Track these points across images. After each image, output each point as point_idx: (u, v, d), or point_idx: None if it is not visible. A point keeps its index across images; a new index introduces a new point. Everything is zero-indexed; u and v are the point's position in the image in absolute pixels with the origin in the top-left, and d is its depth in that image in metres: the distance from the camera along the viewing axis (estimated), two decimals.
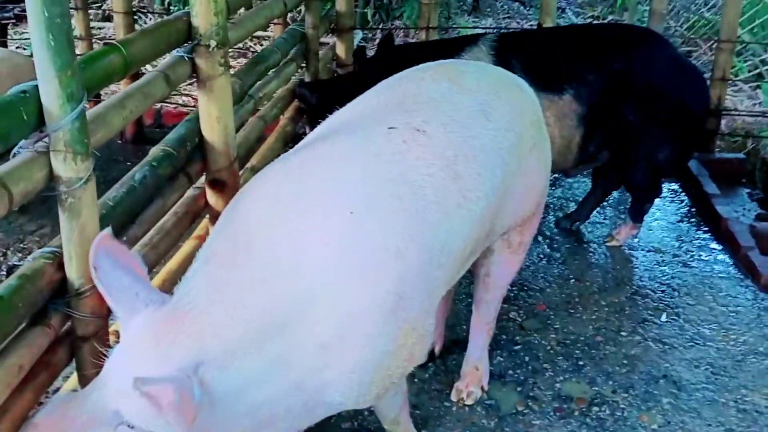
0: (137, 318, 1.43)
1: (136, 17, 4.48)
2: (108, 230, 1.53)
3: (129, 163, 1.97)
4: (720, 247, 3.52)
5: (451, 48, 3.17)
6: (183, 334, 1.40)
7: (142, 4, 5.71)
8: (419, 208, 1.64)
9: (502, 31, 4.51)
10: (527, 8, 7.78)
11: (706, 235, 3.63)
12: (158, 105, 4.48)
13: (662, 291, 3.14)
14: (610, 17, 7.34)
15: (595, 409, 2.45)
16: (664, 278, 3.24)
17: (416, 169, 1.68)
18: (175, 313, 1.44)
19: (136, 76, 3.09)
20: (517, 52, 3.07)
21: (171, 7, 5.95)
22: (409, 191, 1.64)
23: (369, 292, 1.53)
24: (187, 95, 4.72)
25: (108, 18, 4.73)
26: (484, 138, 1.88)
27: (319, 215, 1.56)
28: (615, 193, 3.79)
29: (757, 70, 5.96)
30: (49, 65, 1.46)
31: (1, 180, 1.41)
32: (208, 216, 2.46)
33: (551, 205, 3.87)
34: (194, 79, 2.32)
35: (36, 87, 1.48)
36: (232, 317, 1.44)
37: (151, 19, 5.76)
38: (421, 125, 1.77)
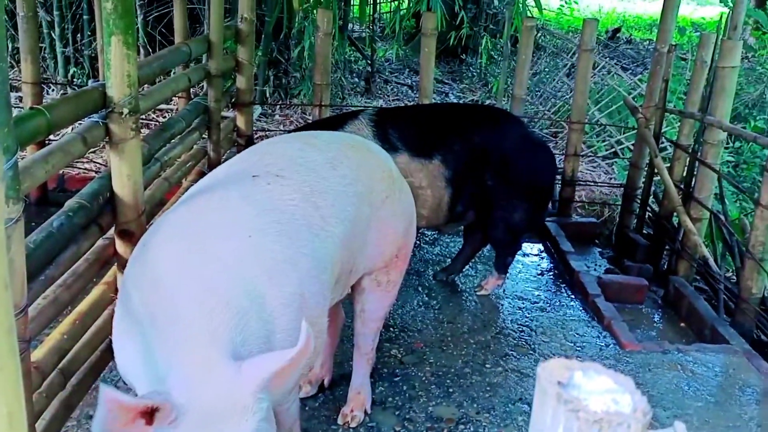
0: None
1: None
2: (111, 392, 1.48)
3: (33, 224, 2.19)
4: (573, 296, 4.04)
5: (335, 122, 3.54)
6: None
7: (45, 76, 5.94)
8: (295, 229, 1.98)
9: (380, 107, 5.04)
10: (414, 91, 8.48)
11: (562, 286, 4.15)
12: (61, 171, 4.68)
13: (522, 331, 3.60)
14: (487, 101, 8.13)
15: (462, 427, 2.82)
16: (524, 321, 3.71)
17: (284, 202, 2.02)
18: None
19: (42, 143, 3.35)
20: (393, 124, 3.51)
21: (74, 79, 6.21)
22: (284, 217, 1.98)
23: (280, 294, 1.83)
24: (90, 161, 4.94)
25: (17, 88, 4.95)
26: (332, 180, 2.22)
27: (228, 242, 1.85)
28: (484, 250, 4.29)
29: (613, 149, 6.79)
30: None
31: None
32: (116, 263, 2.73)
33: (430, 261, 4.32)
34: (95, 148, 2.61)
35: None
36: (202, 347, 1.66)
37: (53, 90, 5.99)
38: (279, 172, 2.12)
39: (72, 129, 2.83)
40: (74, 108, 2.37)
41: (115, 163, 2.58)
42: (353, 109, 3.99)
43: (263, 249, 1.88)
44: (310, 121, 4.75)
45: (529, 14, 7.87)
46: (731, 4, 7.97)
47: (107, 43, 2.39)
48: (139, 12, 6.14)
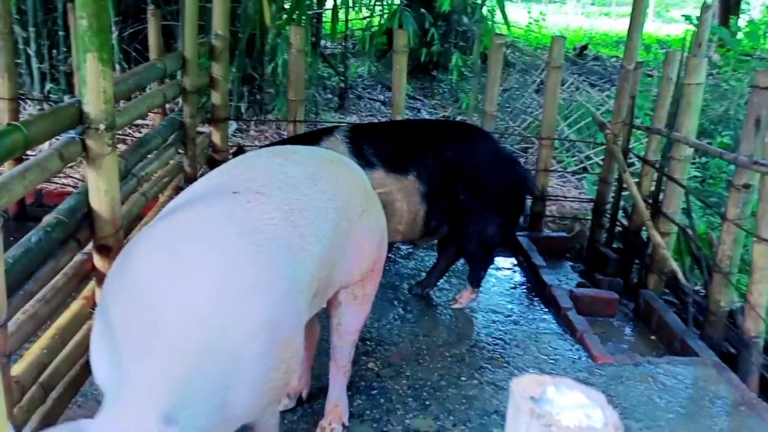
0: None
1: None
2: None
3: (11, 239, 2.18)
4: (545, 309, 4.10)
5: (311, 138, 3.57)
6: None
7: (21, 91, 5.89)
8: (274, 250, 1.97)
9: (353, 123, 5.08)
10: (387, 107, 8.54)
11: (535, 299, 4.22)
12: (39, 186, 4.63)
13: (496, 344, 3.65)
14: (458, 117, 8.22)
15: None
16: (498, 334, 3.76)
17: (263, 221, 2.02)
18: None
19: (19, 159, 3.34)
20: (368, 140, 3.55)
21: (50, 94, 6.17)
22: (263, 238, 1.97)
23: (253, 318, 1.82)
24: (67, 176, 4.90)
25: None
26: (313, 197, 2.23)
27: (204, 265, 1.84)
28: (458, 264, 4.34)
29: (582, 164, 6.91)
30: None
31: None
32: (95, 278, 2.71)
33: (405, 275, 4.35)
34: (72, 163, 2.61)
35: None
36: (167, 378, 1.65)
37: (30, 105, 5.95)
38: (260, 188, 2.12)
39: (49, 144, 2.82)
40: (51, 124, 2.36)
41: (92, 179, 2.57)
42: (327, 124, 4.02)
43: (239, 273, 1.86)
44: (285, 137, 4.77)
45: (497, 31, 7.99)
46: (696, 22, 8.20)
47: (82, 60, 2.39)
48: (114, 28, 6.13)
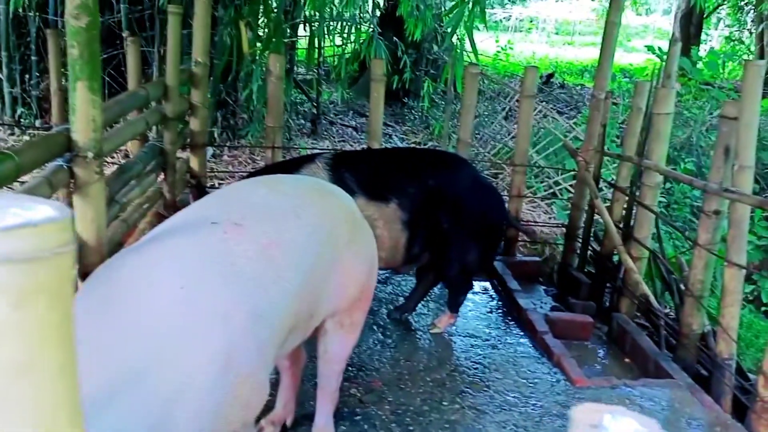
0: None
1: None
2: None
3: None
4: (522, 333, 4.17)
5: (291, 166, 3.60)
6: None
7: None
8: (240, 283, 1.94)
9: (336, 150, 5.14)
10: (359, 133, 8.63)
11: (511, 323, 4.28)
12: None
13: (476, 368, 3.69)
14: (430, 143, 8.34)
15: None
16: (477, 358, 3.81)
17: (235, 254, 2.00)
18: None
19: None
20: (349, 168, 3.59)
21: (21, 119, 6.11)
22: (231, 270, 1.95)
23: (206, 347, 1.79)
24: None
25: None
26: (294, 230, 2.22)
27: (160, 291, 1.82)
28: (436, 289, 4.39)
29: (551, 190, 7.05)
30: None
31: None
32: None
33: (384, 300, 4.39)
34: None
35: None
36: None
37: (0, 129, 5.88)
38: (239, 220, 2.11)
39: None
40: (41, 152, 2.38)
41: (79, 207, 2.58)
42: (302, 150, 4.06)
43: (198, 302, 1.84)
44: (261, 163, 4.79)
45: (467, 59, 8.15)
46: (658, 52, 8.46)
47: (72, 89, 2.41)
48: None
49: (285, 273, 2.10)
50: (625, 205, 4.58)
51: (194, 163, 4.41)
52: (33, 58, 6.07)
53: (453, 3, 6.42)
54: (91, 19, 2.25)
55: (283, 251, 2.13)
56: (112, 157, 5.65)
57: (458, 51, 8.40)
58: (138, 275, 1.89)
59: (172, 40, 3.75)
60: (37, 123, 5.93)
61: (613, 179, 5.12)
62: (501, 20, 24.89)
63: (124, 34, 4.79)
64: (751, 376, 3.65)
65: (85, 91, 2.40)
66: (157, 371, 1.71)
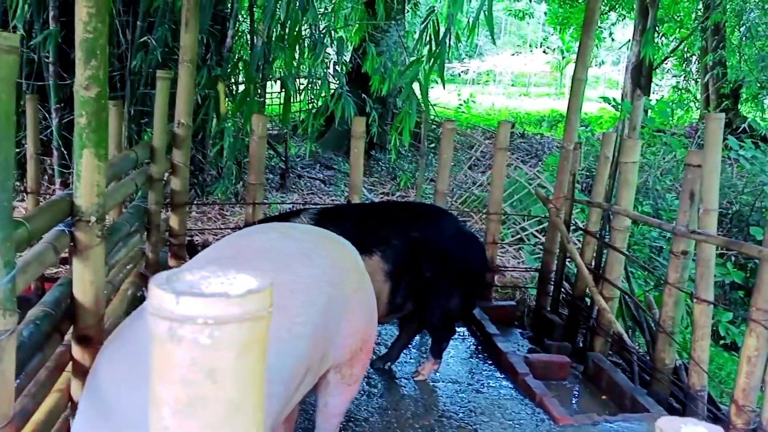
0: None
1: None
2: None
3: None
4: (503, 376, 4.30)
5: (278, 221, 3.74)
6: None
7: None
8: None
9: (319, 206, 5.30)
10: (327, 185, 8.79)
11: (492, 367, 4.41)
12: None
13: (462, 413, 3.79)
14: (397, 194, 8.53)
15: None
16: (462, 403, 3.91)
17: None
18: None
19: None
20: (334, 222, 3.71)
21: None
22: None
23: None
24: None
25: None
26: (306, 277, 2.29)
27: None
28: (417, 338, 4.50)
29: (519, 236, 7.27)
30: None
31: None
32: (72, 369, 2.71)
33: None
34: None
35: None
36: None
37: None
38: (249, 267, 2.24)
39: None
40: (49, 218, 2.45)
41: (78, 270, 2.62)
42: (272, 204, 4.13)
43: None
44: (231, 218, 4.88)
45: (431, 113, 8.42)
46: (613, 103, 8.86)
47: (78, 156, 2.50)
48: (54, 115, 6.19)
49: (297, 319, 2.15)
50: (595, 248, 4.79)
51: (174, 222, 4.48)
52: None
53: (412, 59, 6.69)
54: (100, 89, 2.37)
55: (296, 298, 2.18)
56: None
57: (410, 104, 8.69)
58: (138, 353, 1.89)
59: (159, 103, 3.88)
60: (58, 192, 5.92)
61: (583, 223, 5.34)
62: (459, 74, 25.62)
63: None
64: (722, 406, 3.83)
65: (92, 158, 2.48)
66: None
